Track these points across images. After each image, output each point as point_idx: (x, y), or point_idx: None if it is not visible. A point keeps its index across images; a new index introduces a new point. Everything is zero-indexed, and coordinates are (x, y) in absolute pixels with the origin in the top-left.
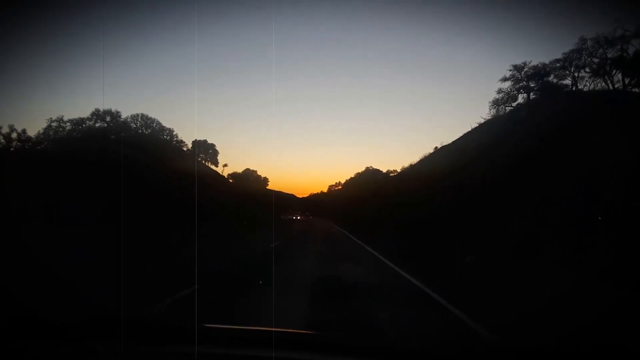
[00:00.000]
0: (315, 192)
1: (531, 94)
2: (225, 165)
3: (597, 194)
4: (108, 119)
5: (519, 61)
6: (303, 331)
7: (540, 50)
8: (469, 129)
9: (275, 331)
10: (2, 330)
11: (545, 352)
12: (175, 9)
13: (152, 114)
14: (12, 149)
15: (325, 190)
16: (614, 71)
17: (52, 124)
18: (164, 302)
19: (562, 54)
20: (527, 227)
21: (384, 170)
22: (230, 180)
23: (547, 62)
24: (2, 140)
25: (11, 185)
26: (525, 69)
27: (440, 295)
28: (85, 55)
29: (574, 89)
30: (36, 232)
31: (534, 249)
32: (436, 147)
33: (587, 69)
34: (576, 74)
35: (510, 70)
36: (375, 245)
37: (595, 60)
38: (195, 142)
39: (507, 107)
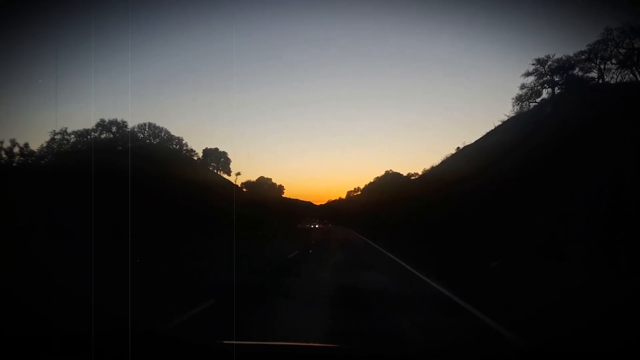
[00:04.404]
0: (333, 198)
1: (556, 88)
2: (238, 173)
3: (626, 190)
4: (114, 129)
5: (542, 55)
6: (321, 345)
7: (564, 42)
8: (492, 128)
9: (295, 346)
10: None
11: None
12: (183, 16)
13: (160, 122)
14: (14, 164)
15: (343, 196)
16: None
17: (56, 137)
18: (181, 317)
19: (587, 45)
20: (554, 227)
21: (405, 174)
22: (244, 189)
23: (571, 54)
24: (4, 156)
25: (15, 202)
26: (549, 63)
27: (467, 302)
28: (88, 63)
29: (600, 81)
30: (44, 247)
31: (562, 250)
32: (458, 148)
33: (613, 61)
34: (602, 66)
35: (533, 64)
36: (398, 252)
37: (622, 50)
38: (206, 151)
39: (531, 103)
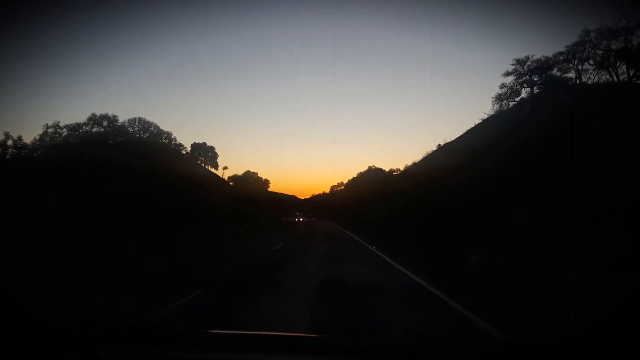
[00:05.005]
0: (317, 193)
1: (534, 88)
2: (225, 167)
3: (604, 188)
4: (105, 123)
5: (521, 55)
6: (308, 334)
7: (543, 43)
8: (473, 125)
9: (280, 335)
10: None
11: (556, 350)
12: (172, 12)
13: (149, 117)
14: (8, 156)
15: (327, 191)
16: (618, 63)
17: (48, 130)
18: (167, 307)
19: (565, 46)
20: (534, 224)
21: (387, 169)
22: (231, 183)
23: (550, 55)
24: None
25: (8, 194)
26: (528, 63)
27: (447, 294)
28: (80, 58)
29: (578, 82)
30: (36, 239)
31: (542, 246)
32: (439, 145)
33: (591, 62)
34: (580, 67)
35: (513, 64)
36: (380, 246)
37: (599, 52)
38: (194, 145)
39: (510, 102)
